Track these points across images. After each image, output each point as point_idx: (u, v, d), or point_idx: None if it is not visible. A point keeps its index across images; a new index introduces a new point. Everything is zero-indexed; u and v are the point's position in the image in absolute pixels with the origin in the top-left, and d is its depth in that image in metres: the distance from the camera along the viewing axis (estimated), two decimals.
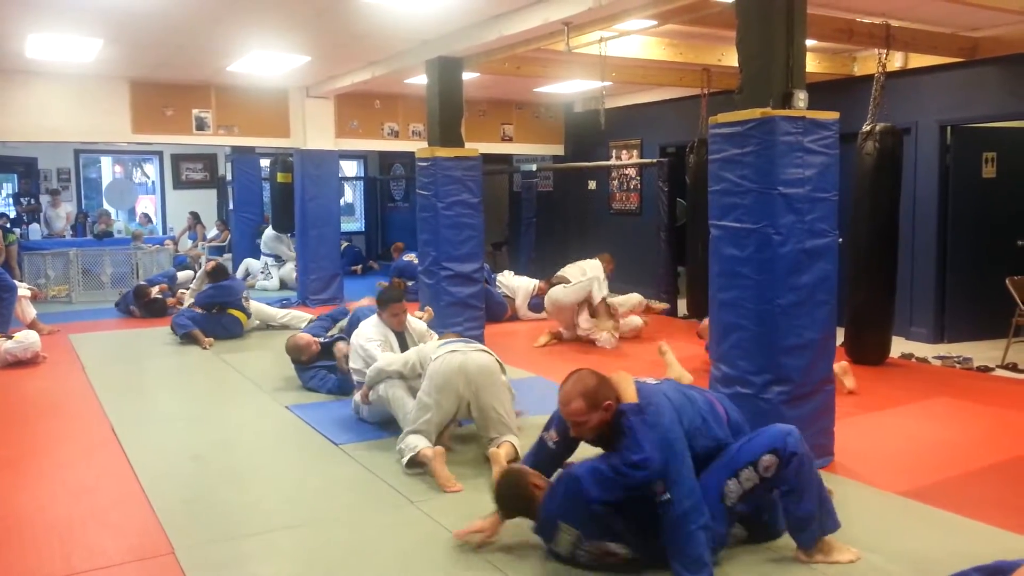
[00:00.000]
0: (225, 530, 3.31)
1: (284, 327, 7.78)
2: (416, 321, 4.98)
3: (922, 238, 7.15)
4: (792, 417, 3.83)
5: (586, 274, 7.11)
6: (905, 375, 5.98)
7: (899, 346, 6.62)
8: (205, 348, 7.12)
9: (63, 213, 13.01)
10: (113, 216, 13.71)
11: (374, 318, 4.77)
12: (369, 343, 4.56)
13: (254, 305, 8.08)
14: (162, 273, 9.96)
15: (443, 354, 3.98)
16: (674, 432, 2.76)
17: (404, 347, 4.67)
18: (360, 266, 13.54)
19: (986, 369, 6.12)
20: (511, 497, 2.95)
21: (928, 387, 5.55)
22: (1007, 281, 6.41)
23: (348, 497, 3.68)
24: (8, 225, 11.63)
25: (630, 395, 2.83)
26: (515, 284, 8.74)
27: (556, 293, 7.16)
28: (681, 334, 7.36)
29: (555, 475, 2.99)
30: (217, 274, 8.04)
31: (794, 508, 2.84)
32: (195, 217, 13.91)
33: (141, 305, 8.82)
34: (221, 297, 7.72)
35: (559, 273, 7.33)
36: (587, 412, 2.80)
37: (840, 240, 4.03)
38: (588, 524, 2.77)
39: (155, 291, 8.97)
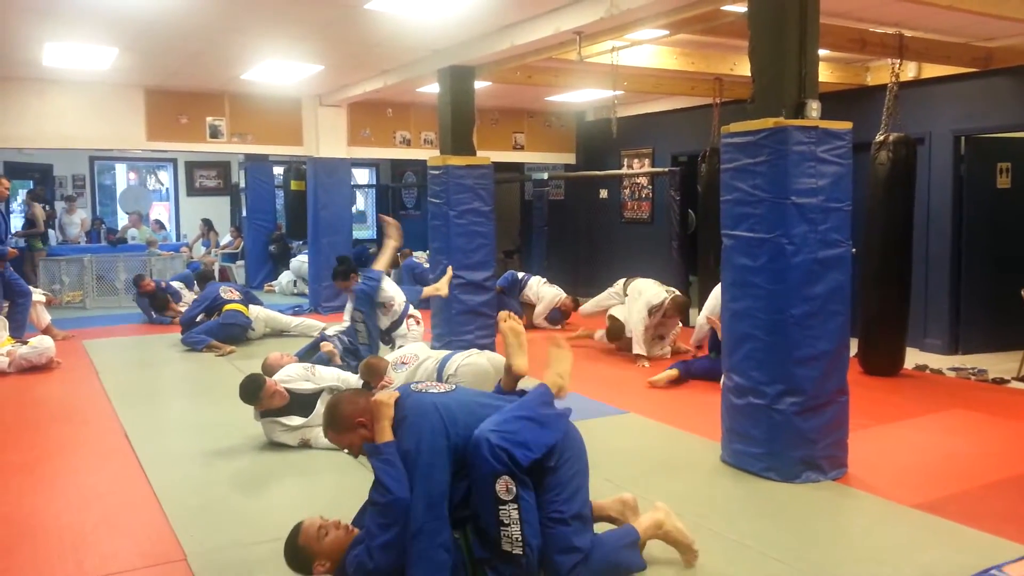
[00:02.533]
0: (236, 536, 3.31)
1: (300, 335, 7.81)
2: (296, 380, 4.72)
3: (936, 248, 7.11)
4: (805, 428, 3.83)
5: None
6: (919, 387, 5.93)
7: (913, 357, 6.58)
8: (226, 355, 7.16)
9: (77, 220, 13.10)
10: (142, 220, 13.77)
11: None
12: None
13: (266, 313, 8.10)
14: (179, 275, 9.98)
15: (462, 360, 4.50)
16: (425, 444, 2.59)
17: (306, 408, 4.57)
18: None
19: (1001, 381, 6.06)
20: (287, 562, 2.79)
21: (942, 399, 5.51)
22: (1022, 292, 6.36)
23: (357, 504, 3.65)
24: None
25: (382, 428, 2.67)
26: (542, 292, 8.67)
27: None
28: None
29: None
30: (202, 279, 8.37)
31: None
32: (207, 224, 13.99)
33: (143, 298, 8.88)
34: (199, 308, 7.76)
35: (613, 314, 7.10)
36: (339, 437, 2.82)
37: (854, 250, 4.01)
38: None
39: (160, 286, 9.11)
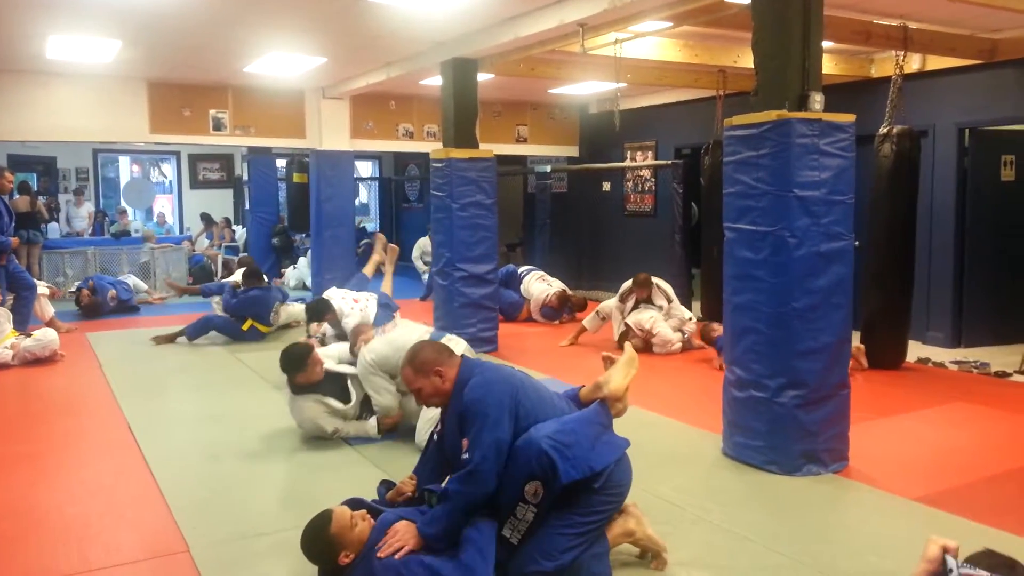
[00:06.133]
0: (240, 529, 3.33)
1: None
2: (335, 353, 4.72)
3: (939, 241, 7.09)
4: (807, 421, 3.83)
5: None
6: (921, 380, 5.93)
7: (916, 350, 6.57)
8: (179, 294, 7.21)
9: (85, 212, 13.13)
10: (130, 215, 13.83)
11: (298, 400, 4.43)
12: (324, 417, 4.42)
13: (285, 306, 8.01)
14: (113, 279, 9.75)
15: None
16: (493, 398, 2.65)
17: (341, 388, 4.47)
18: None
19: (1004, 374, 6.06)
20: (307, 551, 2.72)
21: (945, 392, 5.50)
22: None
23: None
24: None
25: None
26: (532, 288, 8.60)
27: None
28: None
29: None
30: (251, 276, 7.69)
31: None
32: (207, 219, 14.00)
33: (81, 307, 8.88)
34: (252, 308, 7.51)
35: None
36: (415, 377, 2.83)
37: (856, 243, 4.01)
38: None
39: (110, 296, 9.05)
